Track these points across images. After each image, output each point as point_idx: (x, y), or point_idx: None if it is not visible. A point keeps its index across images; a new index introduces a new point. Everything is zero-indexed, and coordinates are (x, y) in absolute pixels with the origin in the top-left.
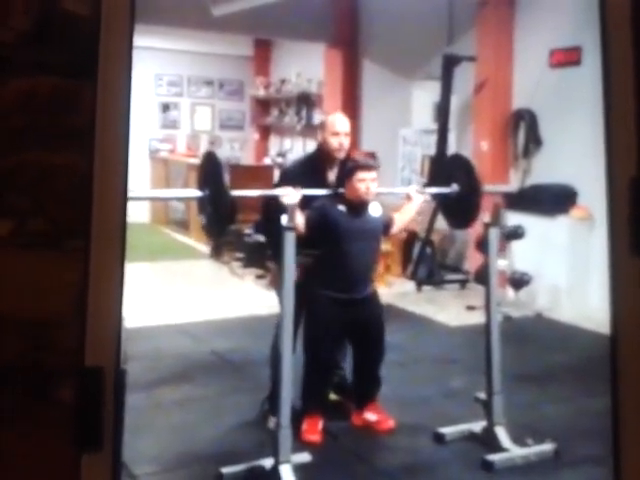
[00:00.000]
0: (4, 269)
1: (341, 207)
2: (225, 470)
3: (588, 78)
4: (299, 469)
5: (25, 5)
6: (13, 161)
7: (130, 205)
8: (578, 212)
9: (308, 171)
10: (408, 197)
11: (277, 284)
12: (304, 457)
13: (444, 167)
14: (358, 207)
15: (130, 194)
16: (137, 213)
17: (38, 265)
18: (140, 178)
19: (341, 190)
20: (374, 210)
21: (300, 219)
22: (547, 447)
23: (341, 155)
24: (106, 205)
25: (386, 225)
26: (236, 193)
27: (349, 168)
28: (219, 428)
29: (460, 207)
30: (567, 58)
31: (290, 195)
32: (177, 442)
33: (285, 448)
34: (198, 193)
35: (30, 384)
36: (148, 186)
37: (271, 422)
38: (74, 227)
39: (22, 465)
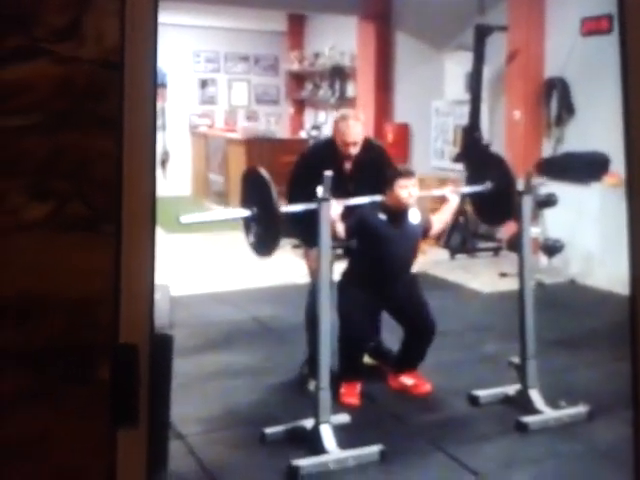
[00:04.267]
0: (44, 251)
1: (382, 215)
2: (268, 430)
3: (618, 45)
4: (338, 429)
5: (61, 2)
6: (55, 145)
7: (173, 179)
8: (611, 179)
9: (326, 157)
10: (444, 199)
11: (312, 266)
12: (343, 418)
13: (478, 164)
14: (398, 215)
15: (183, 220)
16: (180, 187)
17: (77, 247)
18: (181, 153)
19: (380, 198)
20: (413, 217)
21: (340, 227)
22: (580, 409)
23: (354, 153)
24: (136, 188)
25: (425, 229)
26: (284, 209)
27: (390, 176)
28: (261, 391)
29: (494, 205)
30: (598, 26)
31: (333, 207)
32: (221, 404)
33: (325, 409)
34: (246, 213)
35: (71, 362)
36: (189, 160)
37: (311, 385)
38: (111, 211)
39: (63, 440)
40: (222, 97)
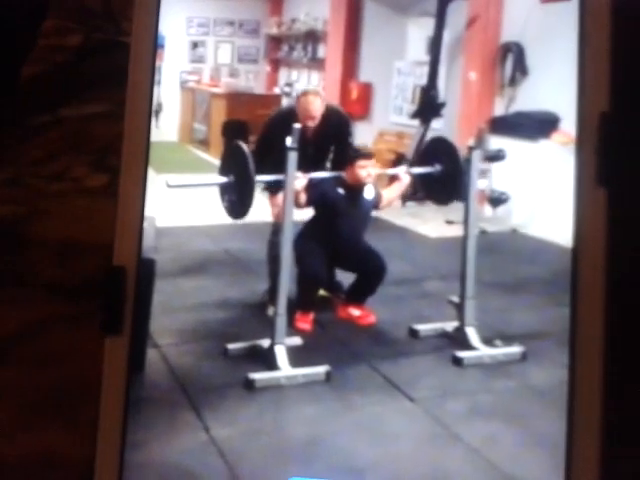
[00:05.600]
0: (94, 209)
1: (340, 190)
2: (230, 346)
3: (577, 12)
4: (291, 350)
5: None
6: (119, 130)
7: (164, 127)
8: (559, 137)
9: (288, 124)
10: (396, 177)
11: (280, 215)
12: (296, 340)
13: (429, 151)
14: (355, 191)
15: (171, 183)
16: (168, 133)
17: (115, 207)
18: (172, 104)
19: (342, 173)
20: (368, 193)
21: (303, 197)
22: (515, 349)
23: (312, 127)
24: (133, 136)
25: (376, 203)
26: (259, 179)
27: (350, 157)
28: (227, 312)
29: (442, 186)
30: None
31: (298, 179)
32: (193, 321)
33: (280, 332)
34: (225, 179)
35: (99, 294)
36: (177, 111)
37: (270, 310)
38: None
39: (85, 351)
40: (209, 57)
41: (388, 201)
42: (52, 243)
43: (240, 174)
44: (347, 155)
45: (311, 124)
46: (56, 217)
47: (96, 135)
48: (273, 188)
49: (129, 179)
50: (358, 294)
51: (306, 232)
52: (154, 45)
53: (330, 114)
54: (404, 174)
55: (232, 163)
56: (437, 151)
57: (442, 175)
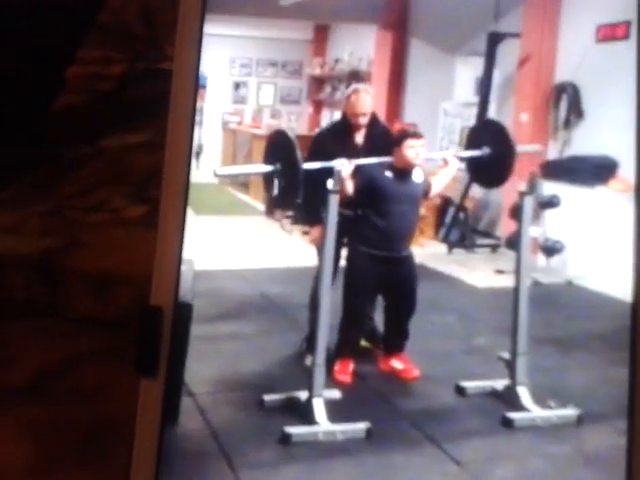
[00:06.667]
0: (134, 241)
1: (388, 173)
2: (266, 397)
3: (635, 51)
4: (329, 404)
5: None
6: (158, 160)
7: (205, 168)
8: (617, 184)
9: (337, 134)
10: (445, 162)
11: (317, 241)
12: (335, 394)
13: (477, 134)
14: (404, 173)
15: (219, 172)
16: (209, 175)
17: (153, 238)
18: (213, 146)
19: (389, 158)
20: (417, 176)
21: (350, 185)
22: (570, 411)
23: (364, 124)
24: (173, 178)
25: (426, 189)
26: (306, 166)
27: (398, 137)
28: (264, 361)
29: (492, 168)
30: (614, 33)
31: (344, 166)
32: (229, 369)
33: (319, 384)
34: (269, 168)
35: (135, 325)
36: (219, 153)
37: (308, 360)
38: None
39: (120, 389)
40: (251, 98)
41: (438, 189)
42: (88, 275)
43: (286, 160)
44: (395, 138)
45: (362, 121)
46: (93, 249)
47: (136, 166)
48: (313, 221)
49: (168, 220)
50: (392, 338)
51: (355, 238)
52: (196, 82)
53: (377, 122)
54: (452, 158)
55: (277, 150)
56: (486, 133)
57: (492, 158)
